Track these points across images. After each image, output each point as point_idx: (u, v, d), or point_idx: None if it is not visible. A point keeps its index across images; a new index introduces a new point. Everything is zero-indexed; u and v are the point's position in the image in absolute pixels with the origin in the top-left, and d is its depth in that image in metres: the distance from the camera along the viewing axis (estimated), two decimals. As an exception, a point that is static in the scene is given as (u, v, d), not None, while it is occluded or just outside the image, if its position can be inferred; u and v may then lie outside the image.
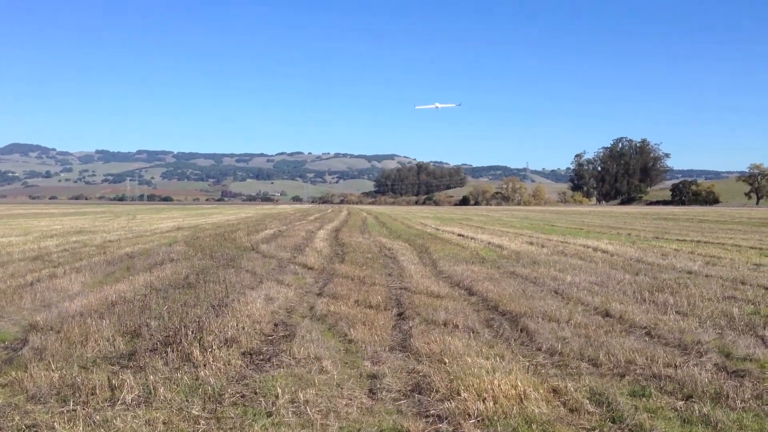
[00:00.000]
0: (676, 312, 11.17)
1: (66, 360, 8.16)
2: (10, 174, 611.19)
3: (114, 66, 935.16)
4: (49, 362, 7.95)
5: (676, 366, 7.92)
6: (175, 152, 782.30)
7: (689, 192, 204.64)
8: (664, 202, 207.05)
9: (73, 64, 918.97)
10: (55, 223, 46.36)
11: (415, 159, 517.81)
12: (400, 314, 11.31)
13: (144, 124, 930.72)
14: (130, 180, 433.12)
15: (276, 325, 10.36)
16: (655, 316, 10.85)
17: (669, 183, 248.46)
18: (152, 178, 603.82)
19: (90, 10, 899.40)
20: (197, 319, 9.76)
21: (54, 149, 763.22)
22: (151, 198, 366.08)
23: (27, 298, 12.44)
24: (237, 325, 9.74)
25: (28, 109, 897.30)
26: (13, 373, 7.66)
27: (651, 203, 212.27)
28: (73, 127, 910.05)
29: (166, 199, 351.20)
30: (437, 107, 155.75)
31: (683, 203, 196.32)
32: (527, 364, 8.16)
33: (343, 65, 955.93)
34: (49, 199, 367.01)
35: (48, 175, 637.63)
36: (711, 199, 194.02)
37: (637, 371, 7.83)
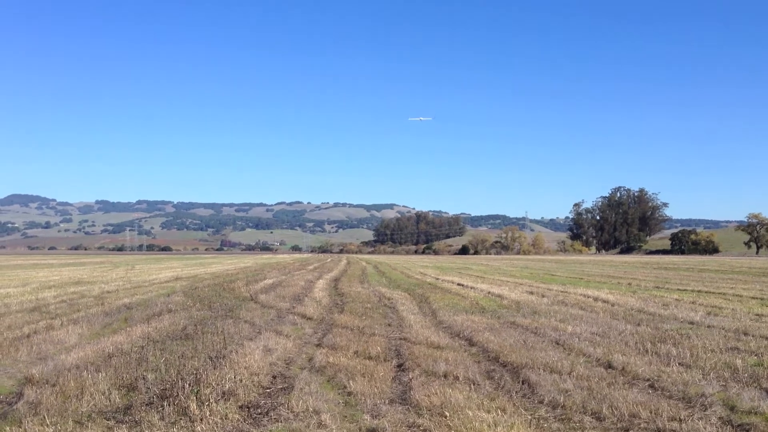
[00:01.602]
0: (679, 364, 11.05)
1: (61, 414, 8.03)
2: (9, 225, 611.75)
3: (114, 116, 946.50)
4: (44, 417, 7.83)
5: (680, 420, 7.80)
6: (175, 202, 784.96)
7: (689, 241, 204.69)
8: (664, 252, 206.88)
9: (74, 115, 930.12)
10: (54, 273, 46.20)
11: (414, 208, 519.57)
12: (399, 365, 11.18)
13: (144, 174, 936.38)
14: (129, 230, 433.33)
15: (274, 377, 10.24)
16: (657, 367, 10.72)
17: (668, 232, 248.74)
18: (152, 228, 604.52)
19: (89, 61, 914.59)
20: (194, 372, 9.65)
21: (54, 200, 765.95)
22: (151, 248, 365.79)
23: (23, 351, 12.32)
24: (235, 377, 9.63)
25: (28, 160, 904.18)
26: (8, 428, 7.54)
27: (650, 252, 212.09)
28: (74, 177, 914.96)
29: (166, 249, 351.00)
30: (420, 120, 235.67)
31: (683, 252, 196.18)
32: (529, 417, 8.04)
33: (341, 115, 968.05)
34: (48, 249, 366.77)
35: (48, 225, 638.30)
36: (710, 249, 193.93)
37: (641, 425, 7.70)
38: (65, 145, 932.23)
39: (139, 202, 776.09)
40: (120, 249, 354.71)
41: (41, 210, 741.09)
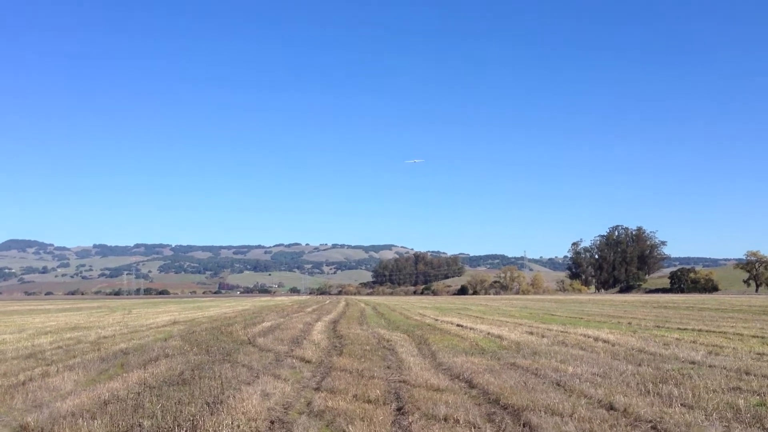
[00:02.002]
0: (682, 404, 10.95)
1: (55, 463, 7.91)
2: (6, 270, 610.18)
3: (112, 160, 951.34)
4: (38, 466, 7.71)
5: (684, 461, 7.69)
6: (173, 245, 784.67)
7: (688, 279, 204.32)
8: (663, 290, 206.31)
9: (71, 160, 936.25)
10: (50, 319, 45.90)
11: (412, 249, 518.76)
12: (399, 409, 11.06)
13: (142, 217, 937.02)
14: (127, 274, 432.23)
15: (272, 422, 10.12)
16: (660, 408, 10.62)
17: (667, 270, 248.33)
18: (149, 271, 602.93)
19: (85, 105, 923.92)
20: (191, 418, 9.54)
21: (52, 244, 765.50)
22: (148, 292, 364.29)
23: (18, 398, 12.18)
24: (232, 423, 9.53)
25: (26, 205, 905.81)
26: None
27: (650, 291, 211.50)
28: (72, 222, 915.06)
29: (163, 293, 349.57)
30: (415, 162, 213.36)
31: (682, 291, 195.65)
32: (531, 461, 7.93)
33: (339, 157, 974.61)
34: (45, 294, 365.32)
35: (45, 270, 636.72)
36: (710, 287, 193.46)
37: (645, 467, 7.60)
38: (63, 190, 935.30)
39: (137, 246, 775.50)
40: (117, 293, 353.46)
41: (39, 255, 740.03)
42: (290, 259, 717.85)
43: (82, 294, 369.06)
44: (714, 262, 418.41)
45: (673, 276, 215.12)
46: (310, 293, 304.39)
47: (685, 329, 28.31)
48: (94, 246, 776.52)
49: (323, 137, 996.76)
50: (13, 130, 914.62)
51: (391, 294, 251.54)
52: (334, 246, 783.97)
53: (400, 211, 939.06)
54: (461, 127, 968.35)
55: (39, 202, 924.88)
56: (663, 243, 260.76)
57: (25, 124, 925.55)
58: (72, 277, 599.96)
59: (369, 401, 11.59)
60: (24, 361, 18.22)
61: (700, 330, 27.66)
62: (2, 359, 18.60)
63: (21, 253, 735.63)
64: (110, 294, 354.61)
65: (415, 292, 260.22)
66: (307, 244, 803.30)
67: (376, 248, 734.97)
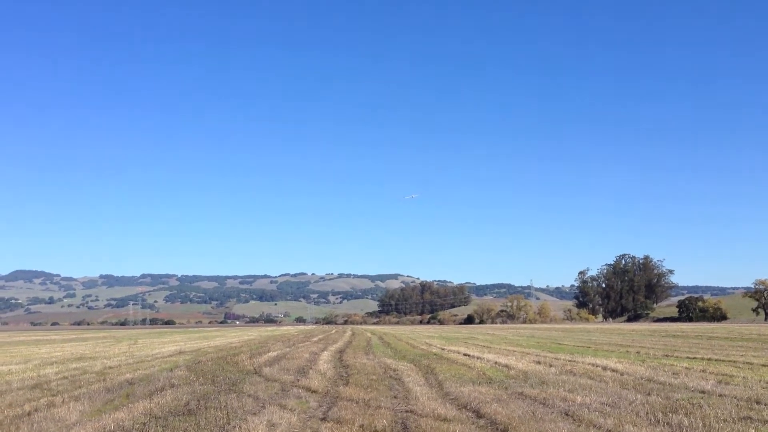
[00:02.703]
0: (692, 433, 10.83)
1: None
2: (13, 301, 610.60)
3: (119, 192, 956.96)
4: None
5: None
6: (179, 275, 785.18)
7: (696, 308, 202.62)
8: (671, 319, 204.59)
9: (78, 190, 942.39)
10: (56, 349, 45.82)
11: (418, 278, 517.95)
12: (406, 440, 10.97)
13: (148, 247, 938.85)
14: (133, 304, 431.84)
15: (278, 453, 10.04)
16: (670, 438, 10.51)
17: (675, 299, 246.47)
18: (155, 301, 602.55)
19: (92, 134, 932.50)
20: (197, 448, 9.48)
21: (58, 275, 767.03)
22: (154, 322, 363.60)
23: (24, 429, 12.14)
24: (238, 453, 9.46)
25: (33, 236, 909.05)
26: None
27: (658, 320, 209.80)
28: (78, 252, 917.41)
29: (169, 323, 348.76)
30: (413, 197, 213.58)
31: (690, 320, 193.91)
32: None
33: (345, 187, 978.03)
34: (51, 325, 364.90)
35: (51, 301, 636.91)
36: (718, 316, 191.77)
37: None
38: (69, 221, 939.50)
39: (143, 276, 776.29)
40: (123, 323, 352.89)
41: (45, 285, 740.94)
42: (296, 288, 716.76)
43: (88, 324, 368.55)
44: (722, 291, 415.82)
45: (681, 305, 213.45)
46: (316, 323, 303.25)
47: (694, 358, 28.05)
48: (101, 276, 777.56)
49: (329, 167, 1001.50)
50: (20, 160, 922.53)
51: (398, 323, 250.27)
52: (340, 275, 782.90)
53: (407, 240, 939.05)
54: (467, 156, 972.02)
55: (46, 233, 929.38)
56: (671, 272, 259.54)
57: (31, 155, 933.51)
58: (78, 307, 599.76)
59: (376, 431, 11.50)
60: (30, 391, 18.17)
61: (709, 359, 27.40)
62: (8, 390, 18.55)
63: (27, 284, 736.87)
64: (116, 324, 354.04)
65: (421, 322, 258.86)
66: (313, 274, 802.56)
67: (383, 278, 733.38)
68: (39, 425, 12.51)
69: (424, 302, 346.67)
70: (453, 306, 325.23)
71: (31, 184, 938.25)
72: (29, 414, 13.89)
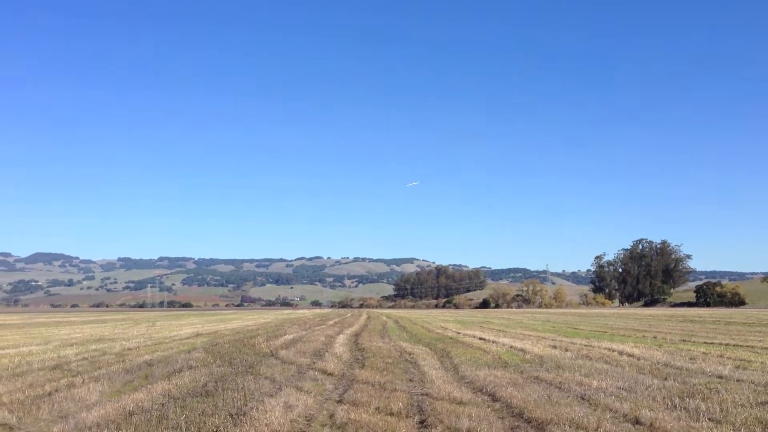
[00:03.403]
0: (709, 419, 10.78)
1: (81, 473, 7.98)
2: (33, 283, 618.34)
3: (136, 175, 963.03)
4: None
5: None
6: (196, 258, 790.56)
7: (714, 293, 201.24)
8: (689, 304, 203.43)
9: (97, 175, 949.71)
10: (76, 331, 46.39)
11: (434, 262, 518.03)
12: (422, 422, 11.01)
13: (165, 231, 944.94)
14: (151, 287, 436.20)
15: (295, 434, 10.13)
16: (687, 423, 10.47)
17: (692, 284, 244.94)
18: (173, 284, 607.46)
19: (109, 119, 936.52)
20: (215, 429, 9.59)
21: (77, 257, 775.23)
22: (172, 304, 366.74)
23: (45, 409, 12.31)
24: (255, 434, 9.54)
25: (52, 219, 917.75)
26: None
27: (675, 305, 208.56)
28: (97, 235, 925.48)
29: (186, 306, 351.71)
30: (414, 184, 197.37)
31: (708, 305, 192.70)
32: (556, 475, 7.85)
33: (360, 170, 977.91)
34: (71, 307, 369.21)
35: (70, 283, 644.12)
36: (736, 301, 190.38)
37: (672, 482, 7.49)
38: (88, 204, 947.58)
39: (160, 259, 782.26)
40: (141, 306, 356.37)
41: (64, 268, 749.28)
42: (312, 272, 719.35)
43: (107, 306, 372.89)
44: (740, 276, 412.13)
45: (698, 290, 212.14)
46: (332, 306, 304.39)
47: (711, 343, 27.89)
48: (119, 259, 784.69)
49: (344, 150, 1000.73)
50: (39, 146, 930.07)
51: (413, 307, 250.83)
52: (356, 259, 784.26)
53: (422, 224, 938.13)
54: (483, 139, 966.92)
55: (65, 216, 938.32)
56: (688, 257, 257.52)
57: (50, 139, 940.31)
58: (97, 289, 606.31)
59: (391, 414, 11.55)
60: (50, 372, 18.42)
61: (727, 344, 27.24)
62: (29, 370, 18.82)
63: (47, 266, 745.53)
64: (134, 306, 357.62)
65: (436, 306, 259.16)
66: (328, 258, 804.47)
67: (398, 261, 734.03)
68: (59, 405, 12.68)
69: (440, 286, 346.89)
70: (468, 290, 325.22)
71: (51, 167, 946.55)
72: (50, 394, 14.09)
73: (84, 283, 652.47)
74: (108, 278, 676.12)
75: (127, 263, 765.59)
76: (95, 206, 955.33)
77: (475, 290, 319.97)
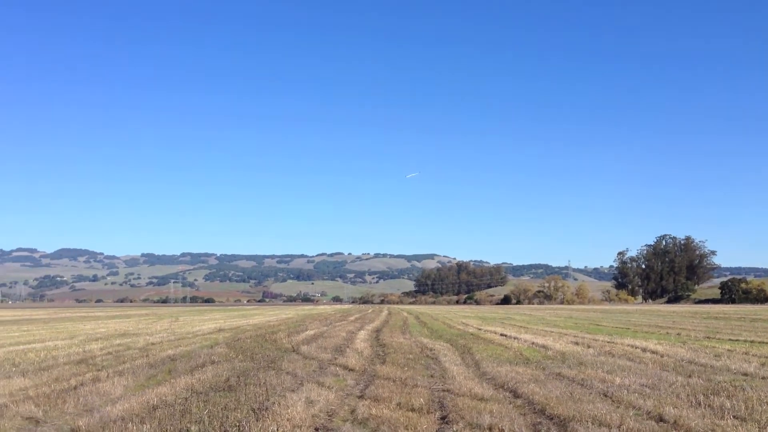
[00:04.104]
0: (734, 416, 10.66)
1: (106, 465, 8.08)
2: (58, 278, 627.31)
3: (160, 172, 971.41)
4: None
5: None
6: (218, 254, 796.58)
7: (739, 290, 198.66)
8: (713, 301, 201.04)
9: (121, 173, 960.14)
10: (100, 326, 46.97)
11: (455, 258, 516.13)
12: (443, 418, 11.00)
13: (188, 227, 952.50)
14: (173, 282, 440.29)
15: (317, 429, 10.17)
16: (711, 420, 10.35)
17: (717, 281, 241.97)
18: (195, 280, 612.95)
19: (133, 118, 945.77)
20: (237, 424, 9.66)
21: (102, 253, 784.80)
22: (194, 300, 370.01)
23: (70, 403, 12.48)
24: (277, 429, 9.61)
25: (77, 215, 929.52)
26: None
27: (699, 302, 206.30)
28: (121, 231, 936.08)
29: (209, 301, 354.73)
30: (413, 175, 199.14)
31: (733, 302, 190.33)
32: (578, 472, 7.80)
33: (381, 166, 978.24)
34: (96, 302, 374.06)
35: (95, 278, 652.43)
36: (762, 297, 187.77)
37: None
38: (113, 201, 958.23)
39: (183, 255, 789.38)
40: (164, 301, 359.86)
41: (89, 264, 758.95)
42: (333, 268, 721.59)
43: (131, 302, 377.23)
44: (766, 272, 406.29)
45: (723, 286, 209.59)
46: (353, 302, 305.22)
47: (736, 340, 27.55)
48: (142, 255, 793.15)
49: (366, 147, 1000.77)
50: (65, 144, 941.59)
51: (434, 303, 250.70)
52: (377, 255, 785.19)
53: (443, 220, 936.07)
54: (505, 136, 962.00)
55: (90, 213, 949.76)
56: (713, 253, 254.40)
57: (77, 138, 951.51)
58: (121, 285, 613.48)
59: (413, 410, 11.55)
60: (75, 366, 18.66)
61: (752, 341, 26.88)
62: (55, 364, 19.09)
63: (72, 262, 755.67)
64: (158, 302, 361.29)
65: (457, 302, 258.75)
66: (349, 254, 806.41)
67: (419, 257, 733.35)
68: (85, 399, 12.85)
69: (461, 282, 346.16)
70: (489, 286, 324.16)
71: (77, 165, 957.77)
72: (75, 388, 14.27)
73: (108, 278, 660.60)
74: (131, 274, 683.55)
75: (151, 259, 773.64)
76: (120, 203, 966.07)
77: (496, 286, 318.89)
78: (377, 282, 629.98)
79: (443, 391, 13.79)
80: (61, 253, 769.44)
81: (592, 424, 10.11)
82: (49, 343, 27.56)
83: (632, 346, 24.18)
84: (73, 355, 21.99)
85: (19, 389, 14.12)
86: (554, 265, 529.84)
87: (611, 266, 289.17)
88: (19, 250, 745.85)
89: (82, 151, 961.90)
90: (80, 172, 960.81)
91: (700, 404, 11.78)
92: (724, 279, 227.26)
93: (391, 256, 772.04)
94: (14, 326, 47.35)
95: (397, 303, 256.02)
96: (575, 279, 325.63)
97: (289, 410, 10.95)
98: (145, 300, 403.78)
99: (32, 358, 21.01)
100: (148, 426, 9.94)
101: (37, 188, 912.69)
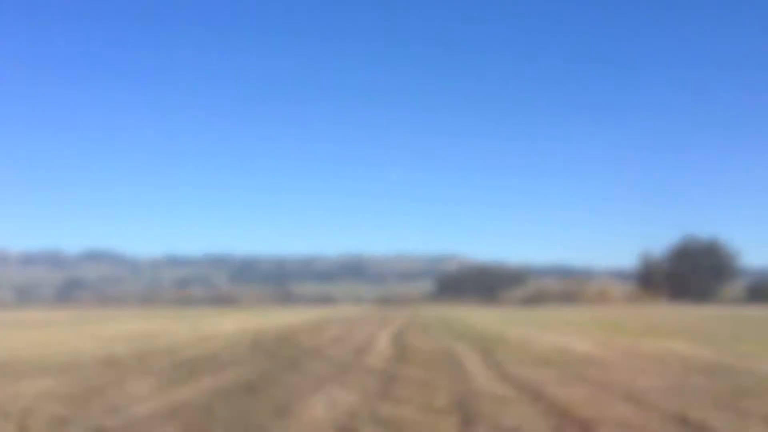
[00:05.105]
0: (761, 419, 10.52)
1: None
2: (83, 280, 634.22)
3: (182, 175, 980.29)
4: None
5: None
6: (240, 255, 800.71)
7: (766, 291, 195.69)
8: (740, 302, 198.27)
9: (144, 176, 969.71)
10: (124, 327, 47.51)
11: (476, 259, 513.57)
12: (465, 419, 10.97)
13: (210, 229, 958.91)
14: (196, 284, 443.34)
15: (339, 429, 10.20)
16: (737, 423, 10.23)
17: (744, 282, 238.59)
18: (218, 281, 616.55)
19: (151, 118, 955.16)
20: (260, 424, 9.72)
21: (125, 255, 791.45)
22: (217, 301, 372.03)
23: (96, 403, 12.64)
24: (300, 429, 9.65)
25: (102, 218, 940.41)
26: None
27: (725, 303, 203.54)
28: (144, 233, 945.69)
29: (231, 302, 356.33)
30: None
31: (760, 303, 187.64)
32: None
33: (403, 167, 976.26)
34: (120, 303, 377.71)
35: (119, 280, 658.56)
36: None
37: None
38: (136, 202, 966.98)
39: (205, 256, 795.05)
40: (187, 302, 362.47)
41: (113, 266, 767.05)
42: (353, 269, 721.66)
43: (154, 303, 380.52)
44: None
45: (750, 288, 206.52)
46: (374, 303, 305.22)
47: (763, 342, 27.17)
48: (165, 256, 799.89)
49: (382, 149, 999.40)
50: (89, 147, 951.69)
51: (455, 304, 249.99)
52: (397, 256, 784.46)
53: (464, 221, 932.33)
54: (525, 138, 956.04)
55: (113, 215, 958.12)
56: (739, 253, 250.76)
57: (101, 141, 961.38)
58: (144, 286, 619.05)
59: (434, 410, 11.55)
60: (100, 367, 18.90)
61: (779, 343, 26.51)
62: (80, 365, 19.34)
63: (97, 264, 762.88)
64: (180, 303, 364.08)
65: (478, 303, 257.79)
66: (370, 255, 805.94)
67: (440, 258, 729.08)
68: (110, 399, 13.00)
69: (482, 283, 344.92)
70: (511, 288, 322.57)
71: (101, 168, 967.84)
72: (100, 388, 14.45)
73: (131, 280, 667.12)
74: (155, 275, 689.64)
75: (173, 260, 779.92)
76: (143, 205, 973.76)
77: (518, 287, 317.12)
78: (398, 283, 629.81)
79: (465, 392, 13.76)
80: (85, 255, 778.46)
81: (616, 426, 10.04)
82: (75, 345, 27.94)
83: (656, 348, 23.97)
84: (98, 356, 22.26)
85: (45, 390, 14.33)
86: (577, 265, 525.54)
87: (635, 267, 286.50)
88: (44, 252, 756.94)
89: (107, 155, 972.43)
90: (105, 175, 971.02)
91: (726, 407, 11.65)
92: (752, 280, 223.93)
93: (412, 256, 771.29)
94: (40, 328, 48.05)
95: (418, 304, 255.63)
96: (598, 280, 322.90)
97: (311, 411, 11.00)
98: (168, 301, 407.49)
99: (58, 359, 21.31)
100: (172, 426, 10.04)
101: (62, 191, 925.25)
